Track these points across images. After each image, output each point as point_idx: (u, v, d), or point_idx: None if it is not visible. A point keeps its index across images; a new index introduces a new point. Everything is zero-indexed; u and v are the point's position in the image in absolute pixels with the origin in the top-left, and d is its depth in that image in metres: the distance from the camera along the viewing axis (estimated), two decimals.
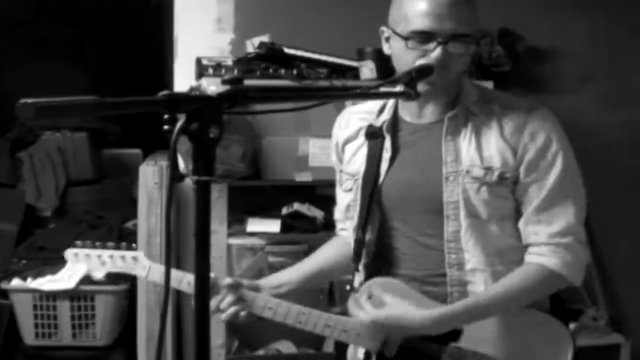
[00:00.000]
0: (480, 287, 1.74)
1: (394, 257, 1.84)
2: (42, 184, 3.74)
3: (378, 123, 1.88)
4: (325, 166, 2.97)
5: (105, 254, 1.99)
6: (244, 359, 3.12)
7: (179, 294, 3.13)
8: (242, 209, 3.15)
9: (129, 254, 1.97)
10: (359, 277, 1.88)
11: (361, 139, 1.90)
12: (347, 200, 1.93)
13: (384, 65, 3.04)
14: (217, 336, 2.93)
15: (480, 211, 1.74)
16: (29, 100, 0.98)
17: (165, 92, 1.15)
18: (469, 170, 1.74)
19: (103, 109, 1.11)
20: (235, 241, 3.04)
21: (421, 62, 1.69)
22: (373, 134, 1.87)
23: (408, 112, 1.85)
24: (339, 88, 2.98)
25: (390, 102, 1.89)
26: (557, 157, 1.74)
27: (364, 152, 1.88)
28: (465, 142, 1.76)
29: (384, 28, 1.80)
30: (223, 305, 1.87)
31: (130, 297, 3.16)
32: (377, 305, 1.75)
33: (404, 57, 1.73)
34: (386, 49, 1.82)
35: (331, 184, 1.99)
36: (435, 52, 1.69)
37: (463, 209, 1.74)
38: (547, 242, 1.73)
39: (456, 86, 1.81)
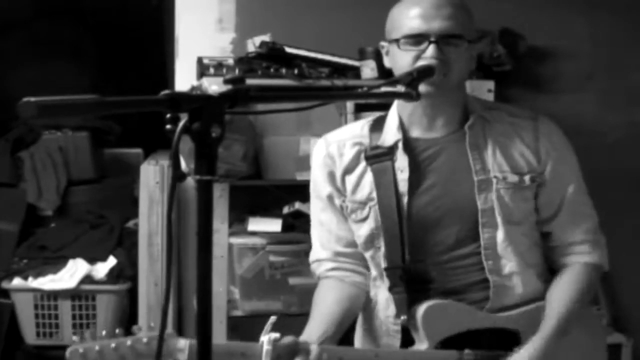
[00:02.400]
0: (519, 290, 1.79)
1: (430, 273, 1.82)
2: (43, 183, 3.73)
3: (384, 143, 1.83)
4: None
5: (121, 343, 1.52)
6: None
7: (180, 294, 3.14)
8: (243, 208, 3.15)
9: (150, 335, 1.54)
10: (398, 303, 1.80)
11: (362, 164, 1.85)
12: (365, 231, 1.84)
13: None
14: (219, 336, 2.92)
15: (514, 215, 1.78)
16: (31, 99, 0.98)
17: (166, 91, 1.15)
18: (505, 177, 1.76)
19: (104, 108, 1.11)
20: (236, 240, 3.03)
21: (421, 63, 1.71)
22: (376, 157, 1.83)
23: (417, 127, 1.83)
24: (340, 87, 2.97)
25: (392, 121, 1.85)
26: (574, 158, 1.85)
27: (369, 177, 1.83)
28: (489, 150, 1.79)
29: (382, 43, 1.83)
30: None
31: (131, 296, 3.16)
32: None
33: (400, 61, 1.75)
34: (386, 62, 1.84)
35: None
36: (429, 51, 1.71)
37: (500, 215, 1.76)
38: (586, 240, 1.84)
39: (460, 96, 1.82)
